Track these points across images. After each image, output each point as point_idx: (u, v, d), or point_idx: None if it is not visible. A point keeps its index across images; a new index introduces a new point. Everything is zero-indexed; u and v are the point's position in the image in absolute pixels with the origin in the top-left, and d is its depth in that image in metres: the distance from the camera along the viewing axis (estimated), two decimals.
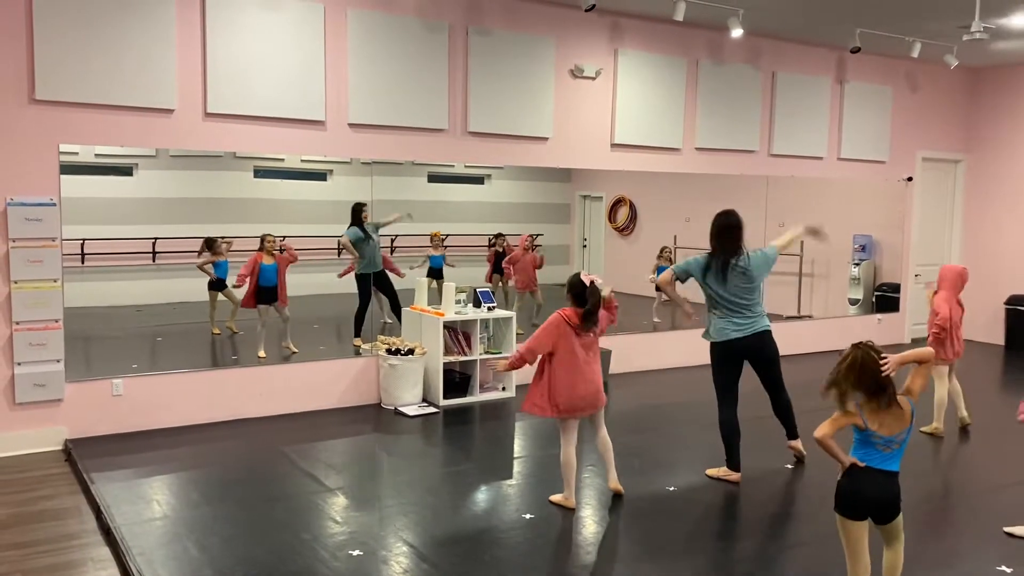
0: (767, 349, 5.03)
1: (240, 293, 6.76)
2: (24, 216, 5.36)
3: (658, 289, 8.58)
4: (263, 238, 6.70)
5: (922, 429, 6.05)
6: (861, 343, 3.19)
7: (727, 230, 4.95)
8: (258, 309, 6.71)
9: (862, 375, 3.11)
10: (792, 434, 5.30)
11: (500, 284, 8.27)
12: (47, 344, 5.49)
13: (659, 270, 8.70)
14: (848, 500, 3.17)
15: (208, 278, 6.71)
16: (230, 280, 6.76)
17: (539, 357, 4.38)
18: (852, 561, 3.20)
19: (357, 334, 7.07)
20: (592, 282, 4.34)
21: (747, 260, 4.95)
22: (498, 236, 8.15)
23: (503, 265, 8.06)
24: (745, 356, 5.03)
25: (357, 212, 7.03)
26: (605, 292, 4.41)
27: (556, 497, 4.55)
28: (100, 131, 5.60)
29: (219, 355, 7.05)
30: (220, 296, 6.82)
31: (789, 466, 5.31)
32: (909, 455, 5.66)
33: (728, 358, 5.00)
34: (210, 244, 6.67)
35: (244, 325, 6.99)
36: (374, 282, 7.17)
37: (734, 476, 4.99)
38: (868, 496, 3.16)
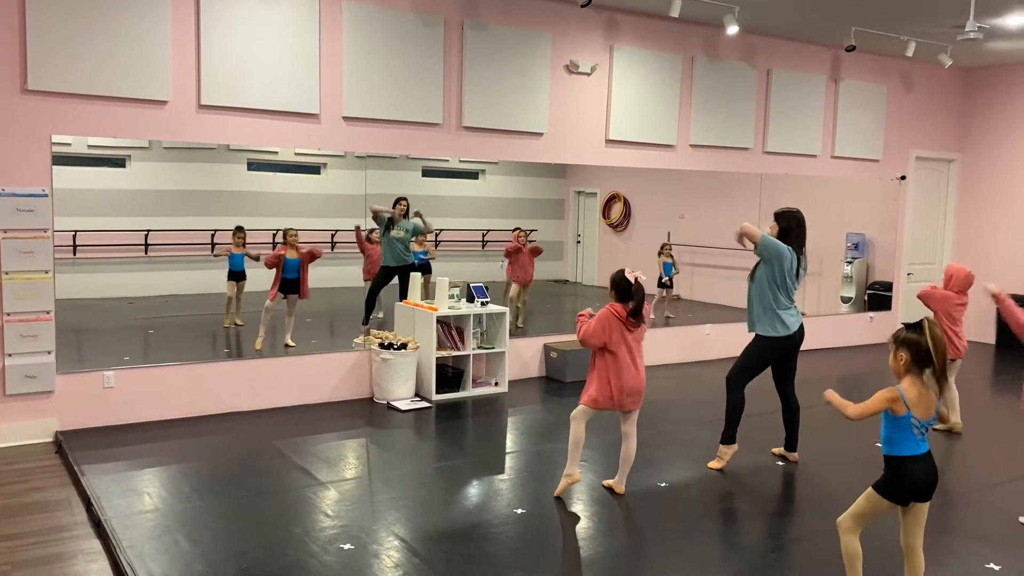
0: (803, 339, 5.24)
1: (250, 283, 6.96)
2: (16, 207, 5.33)
3: (660, 285, 8.64)
4: (286, 232, 6.80)
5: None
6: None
7: (802, 227, 5.11)
8: (274, 299, 6.81)
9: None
10: (793, 446, 5.37)
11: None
12: (38, 335, 5.47)
13: (665, 266, 8.71)
14: (909, 488, 3.20)
15: (227, 268, 6.95)
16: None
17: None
18: (856, 529, 3.29)
19: (364, 322, 7.15)
20: (636, 278, 4.43)
21: (806, 263, 5.19)
22: (516, 230, 8.17)
23: (508, 273, 8.04)
24: (790, 349, 5.21)
25: (392, 205, 7.21)
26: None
27: (560, 487, 4.56)
28: (93, 122, 5.56)
29: (212, 348, 7.04)
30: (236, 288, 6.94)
31: (780, 463, 5.32)
32: None
33: (779, 351, 5.16)
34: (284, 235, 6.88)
35: (246, 317, 7.00)
36: (390, 275, 7.20)
37: (734, 449, 5.20)
38: (924, 481, 3.21)
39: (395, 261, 7.23)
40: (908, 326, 3.21)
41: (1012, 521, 4.42)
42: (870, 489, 3.26)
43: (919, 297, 6.23)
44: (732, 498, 4.75)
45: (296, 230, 6.80)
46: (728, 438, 5.19)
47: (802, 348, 5.27)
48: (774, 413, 5.42)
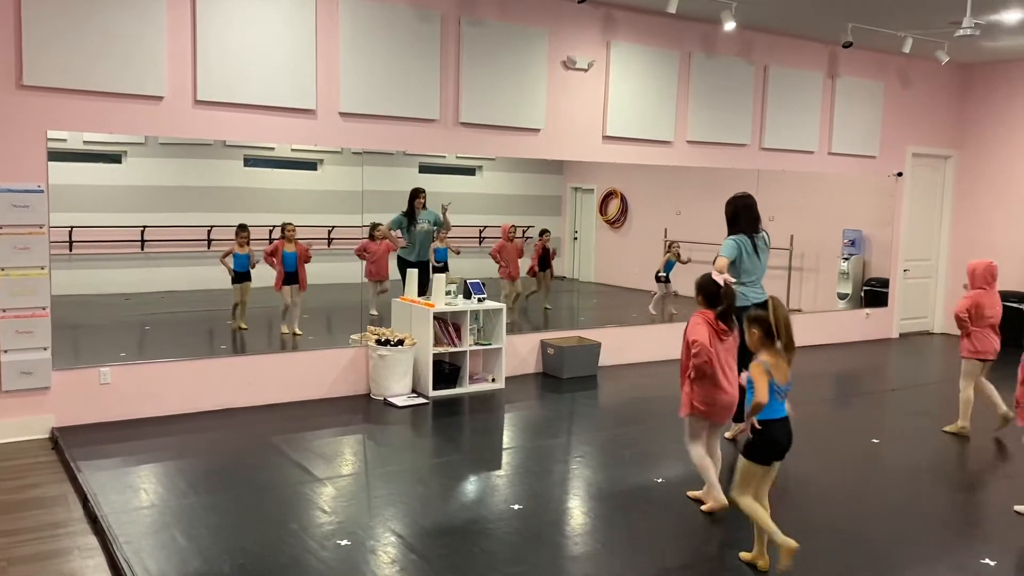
0: None
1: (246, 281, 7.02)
2: (11, 203, 5.32)
3: (659, 280, 8.68)
4: (284, 227, 6.89)
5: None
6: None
7: (750, 208, 5.46)
8: (283, 292, 6.94)
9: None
10: (739, 417, 5.44)
11: (544, 279, 8.33)
12: (34, 332, 5.46)
13: (667, 264, 8.72)
14: (770, 450, 3.64)
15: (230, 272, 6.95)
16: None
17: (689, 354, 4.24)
18: (746, 494, 3.69)
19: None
20: (726, 282, 4.23)
21: (765, 237, 5.55)
22: (544, 232, 8.30)
23: (491, 254, 8.07)
24: None
25: (411, 198, 7.26)
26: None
27: (696, 493, 4.46)
28: (88, 118, 5.55)
29: (209, 344, 7.03)
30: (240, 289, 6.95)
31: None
32: (898, 450, 5.71)
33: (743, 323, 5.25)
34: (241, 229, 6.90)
35: (249, 316, 7.01)
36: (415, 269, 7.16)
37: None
38: (783, 443, 3.65)
39: (422, 256, 7.29)
40: (758, 305, 3.72)
41: (1007, 516, 4.43)
42: (740, 456, 3.69)
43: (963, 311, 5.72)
44: (727, 493, 4.74)
45: (294, 225, 6.85)
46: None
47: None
48: None
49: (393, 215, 7.34)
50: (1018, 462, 5.39)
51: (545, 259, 8.41)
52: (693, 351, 4.15)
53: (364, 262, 7.31)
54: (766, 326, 3.64)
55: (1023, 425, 4.62)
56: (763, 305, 3.63)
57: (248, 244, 6.84)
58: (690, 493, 4.55)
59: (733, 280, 4.32)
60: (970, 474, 5.14)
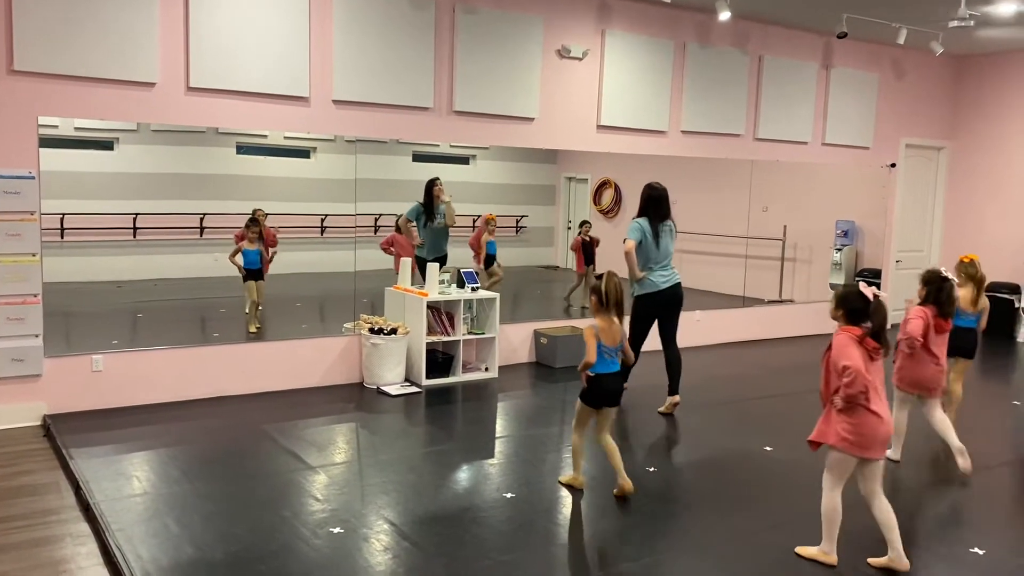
0: (680, 297, 6.05)
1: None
2: (2, 189, 5.29)
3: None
4: (254, 212, 6.90)
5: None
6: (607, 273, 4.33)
7: (658, 199, 5.96)
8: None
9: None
10: (674, 391, 6.02)
11: (589, 274, 8.30)
12: (25, 319, 5.44)
13: None
14: (601, 396, 4.32)
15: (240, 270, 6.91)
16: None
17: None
18: (580, 429, 4.41)
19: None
20: (875, 295, 3.60)
21: (671, 226, 6.06)
22: (583, 224, 8.27)
23: (470, 243, 8.01)
24: (664, 305, 5.96)
25: (428, 188, 7.14)
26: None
27: (809, 551, 3.74)
28: (80, 104, 5.51)
29: (201, 332, 7.02)
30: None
31: (768, 448, 5.35)
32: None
33: (654, 305, 5.94)
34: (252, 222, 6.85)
35: (232, 304, 6.98)
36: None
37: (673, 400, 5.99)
38: (612, 392, 4.36)
39: (438, 251, 7.21)
40: (597, 277, 4.31)
41: (996, 506, 4.46)
42: (578, 399, 4.38)
43: None
44: (719, 483, 4.77)
45: (264, 212, 6.94)
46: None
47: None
48: (767, 399, 5.44)
49: (394, 208, 7.30)
50: (1007, 453, 5.43)
51: (589, 252, 8.30)
52: (846, 379, 3.46)
53: (392, 256, 7.26)
54: (600, 295, 4.27)
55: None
56: (600, 277, 4.29)
57: (260, 239, 6.71)
58: (872, 561, 3.71)
59: (885, 294, 3.70)
60: (957, 465, 5.17)
